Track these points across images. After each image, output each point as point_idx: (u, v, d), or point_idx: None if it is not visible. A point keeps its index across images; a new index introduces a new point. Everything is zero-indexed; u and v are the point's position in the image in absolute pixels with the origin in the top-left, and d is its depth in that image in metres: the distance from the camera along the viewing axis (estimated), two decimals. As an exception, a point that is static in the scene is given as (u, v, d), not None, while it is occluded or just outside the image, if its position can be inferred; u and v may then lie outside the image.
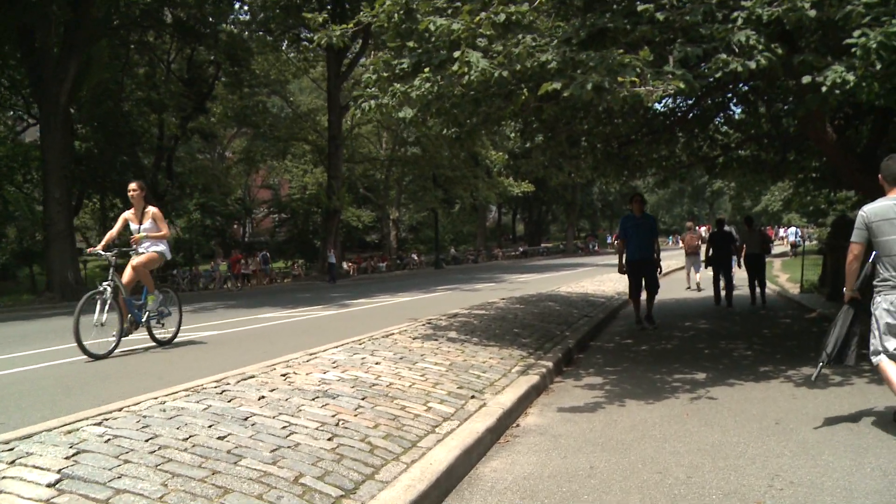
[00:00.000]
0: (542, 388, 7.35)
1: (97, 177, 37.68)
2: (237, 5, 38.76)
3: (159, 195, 40.32)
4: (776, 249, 39.73)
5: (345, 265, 47.25)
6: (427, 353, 7.80)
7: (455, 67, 7.14)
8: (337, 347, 7.87)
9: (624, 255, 12.12)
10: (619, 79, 6.01)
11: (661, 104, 13.90)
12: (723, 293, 15.99)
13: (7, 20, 25.63)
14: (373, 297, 19.97)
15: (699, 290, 20.32)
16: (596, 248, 67.82)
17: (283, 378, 6.08)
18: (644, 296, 12.28)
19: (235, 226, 73.42)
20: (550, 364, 8.05)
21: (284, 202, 66.24)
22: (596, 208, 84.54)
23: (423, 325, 10.16)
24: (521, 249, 66.84)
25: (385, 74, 8.32)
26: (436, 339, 8.76)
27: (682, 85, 6.11)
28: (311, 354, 7.38)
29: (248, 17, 40.61)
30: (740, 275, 16.88)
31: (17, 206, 34.94)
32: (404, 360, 7.31)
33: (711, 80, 7.04)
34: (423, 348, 8.12)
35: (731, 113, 15.05)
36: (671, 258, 39.89)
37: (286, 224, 66.87)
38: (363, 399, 5.62)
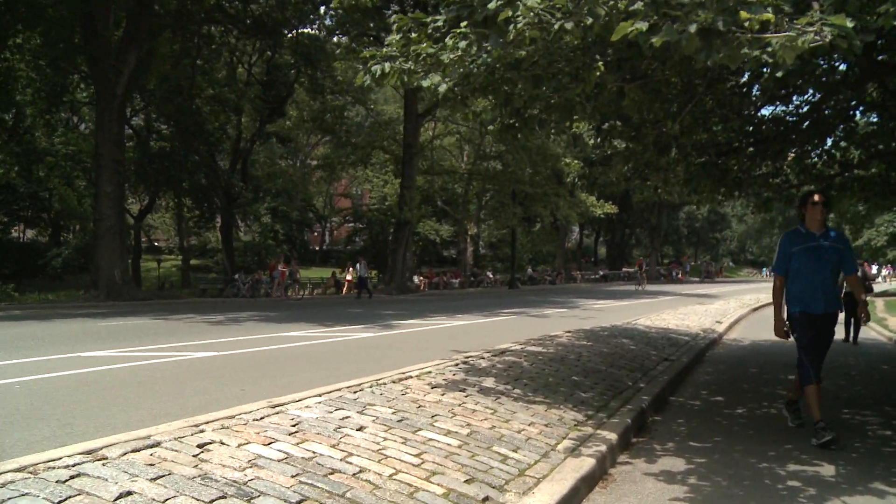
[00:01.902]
0: (598, 478, 5.12)
1: (170, 176, 36.68)
2: (322, 9, 37.35)
3: (232, 197, 39.30)
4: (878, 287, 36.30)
5: (416, 279, 45.49)
6: (442, 413, 5.67)
7: (500, 16, 5.02)
8: (318, 397, 5.78)
9: (785, 303, 7.01)
10: (742, 14, 3.77)
11: (769, 110, 11.55)
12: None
13: (72, 4, 24.60)
14: (427, 318, 17.91)
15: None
16: (680, 275, 64.36)
17: (198, 452, 4.02)
18: None
19: (315, 233, 72.76)
20: (614, 437, 5.80)
21: (361, 212, 65.17)
22: (682, 234, 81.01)
23: (457, 364, 8.00)
24: (601, 273, 63.92)
25: (414, 35, 6.24)
26: (463, 390, 6.60)
27: (844, 27, 3.76)
28: (274, 407, 5.32)
29: (332, 23, 39.23)
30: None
31: (65, 203, 34.31)
32: (403, 425, 5.19)
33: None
34: (439, 404, 5.97)
35: (854, 125, 12.56)
36: (759, 291, 36.87)
37: (361, 234, 65.74)
38: (300, 504, 3.53)
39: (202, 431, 4.43)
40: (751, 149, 11.82)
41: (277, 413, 5.16)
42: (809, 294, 6.67)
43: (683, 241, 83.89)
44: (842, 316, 15.80)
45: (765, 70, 7.35)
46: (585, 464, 4.96)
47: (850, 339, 15.33)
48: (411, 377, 6.96)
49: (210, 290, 36.73)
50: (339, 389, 6.12)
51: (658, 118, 9.92)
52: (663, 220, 68.36)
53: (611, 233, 74.29)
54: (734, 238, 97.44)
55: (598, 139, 10.31)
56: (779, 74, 4.96)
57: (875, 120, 12.51)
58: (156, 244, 67.23)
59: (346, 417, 5.21)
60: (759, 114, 11.41)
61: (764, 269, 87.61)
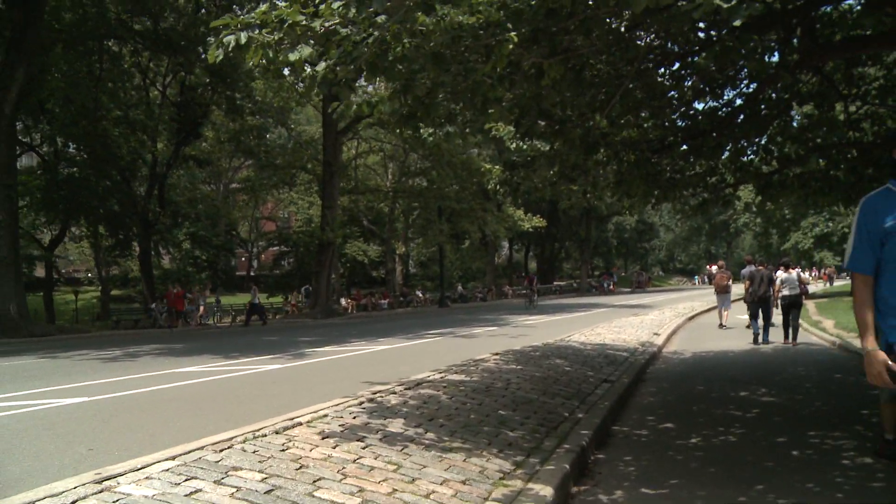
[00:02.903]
0: (531, 554, 3.93)
1: (80, 203, 34.50)
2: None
3: (150, 224, 37.36)
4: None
5: (343, 301, 44.02)
6: (328, 476, 4.38)
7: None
8: (170, 461, 4.44)
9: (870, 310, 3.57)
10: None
11: (701, 103, 10.62)
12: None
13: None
14: (346, 344, 16.54)
15: (724, 328, 19.60)
16: (611, 287, 63.92)
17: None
18: None
19: (243, 259, 70.54)
20: (550, 493, 4.59)
21: (286, 234, 63.39)
22: (611, 245, 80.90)
23: (361, 403, 6.71)
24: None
25: (284, 4, 5.00)
26: (362, 439, 5.32)
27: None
28: (100, 482, 3.98)
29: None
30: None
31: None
32: (271, 499, 3.90)
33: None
34: (327, 461, 4.69)
35: (790, 119, 11.76)
36: (692, 299, 36.40)
37: (287, 257, 63.93)
38: None
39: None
40: (684, 146, 10.89)
41: (102, 491, 3.83)
42: None
43: (613, 252, 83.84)
44: (780, 319, 15.64)
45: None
46: (512, 539, 3.74)
47: (790, 340, 15.43)
48: (300, 424, 5.65)
49: (124, 322, 34.71)
50: (201, 448, 4.79)
51: (583, 111, 8.89)
52: (592, 231, 67.95)
53: (540, 247, 73.66)
54: (663, 247, 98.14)
55: (519, 137, 9.19)
56: (736, 23, 3.86)
57: (811, 112, 11.68)
58: (75, 275, 64.41)
59: (196, 492, 3.91)
60: (692, 107, 10.47)
61: (695, 276, 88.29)
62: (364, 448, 5.07)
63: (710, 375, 11.12)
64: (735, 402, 8.75)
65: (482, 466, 4.98)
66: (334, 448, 4.99)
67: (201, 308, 35.52)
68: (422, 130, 10.12)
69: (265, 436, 5.20)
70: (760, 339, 15.70)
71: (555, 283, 67.90)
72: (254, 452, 4.72)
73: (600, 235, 76.18)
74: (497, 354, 11.07)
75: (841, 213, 35.16)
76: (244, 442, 4.97)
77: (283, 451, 4.83)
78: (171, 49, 31.48)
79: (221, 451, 4.71)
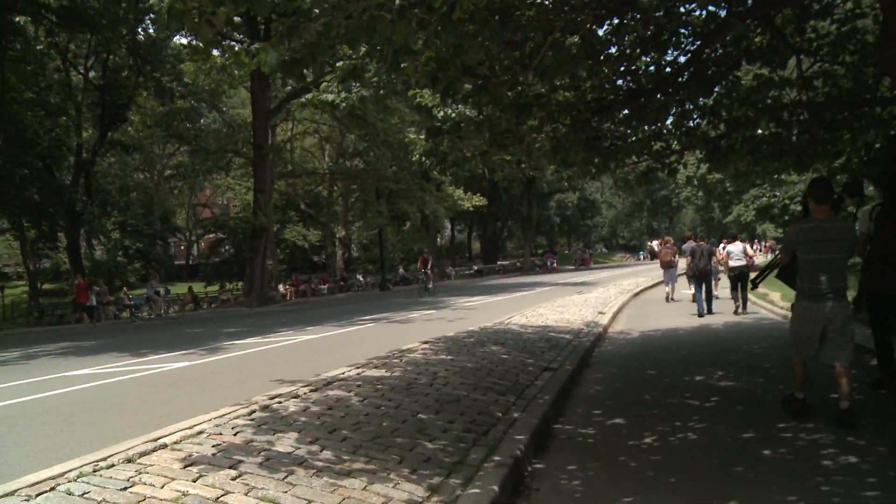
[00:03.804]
0: None
1: (-3, 193, 32.45)
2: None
3: (77, 214, 35.37)
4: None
5: (281, 288, 42.52)
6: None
7: None
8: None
9: None
10: None
11: (645, 59, 9.66)
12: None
13: None
14: (271, 335, 15.30)
15: (672, 301, 19.62)
16: (555, 264, 63.28)
17: None
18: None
19: (182, 248, 68.32)
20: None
21: (222, 221, 61.50)
22: (553, 223, 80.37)
23: (252, 413, 5.57)
24: (475, 268, 62.17)
25: None
26: (237, 464, 4.21)
27: None
28: None
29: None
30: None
31: None
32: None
33: None
34: (181, 500, 3.59)
35: (738, 79, 10.88)
36: (636, 275, 35.78)
37: (223, 244, 62.08)
38: None
39: None
40: (626, 111, 9.93)
41: None
42: None
43: (556, 231, 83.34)
44: (728, 291, 16.30)
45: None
46: None
47: (741, 310, 15.92)
48: (164, 447, 4.52)
49: (48, 318, 32.89)
50: (10, 494, 3.63)
51: (511, 65, 7.86)
52: (534, 210, 67.19)
53: (483, 226, 72.72)
54: (605, 224, 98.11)
55: (442, 100, 8.08)
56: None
57: (760, 71, 10.75)
58: (5, 270, 61.63)
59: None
60: (634, 63, 9.50)
61: (640, 252, 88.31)
62: (235, 479, 3.96)
63: (660, 357, 10.20)
64: (691, 388, 7.83)
65: (386, 497, 3.92)
66: (195, 481, 3.88)
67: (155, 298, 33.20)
68: (333, 96, 9.01)
69: (112, 466, 4.08)
70: (705, 310, 15.87)
71: (498, 262, 67.08)
72: (82, 496, 3.59)
73: (542, 213, 75.54)
74: (427, 343, 10.01)
75: (788, 180, 34.40)
76: (76, 479, 3.83)
77: (123, 490, 3.70)
78: (89, 27, 29.49)
79: (37, 496, 3.57)
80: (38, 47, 33.40)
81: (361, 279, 49.71)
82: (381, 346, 10.75)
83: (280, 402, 5.89)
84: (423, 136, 17.39)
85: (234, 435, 4.83)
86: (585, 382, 8.59)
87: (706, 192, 47.77)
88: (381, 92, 7.54)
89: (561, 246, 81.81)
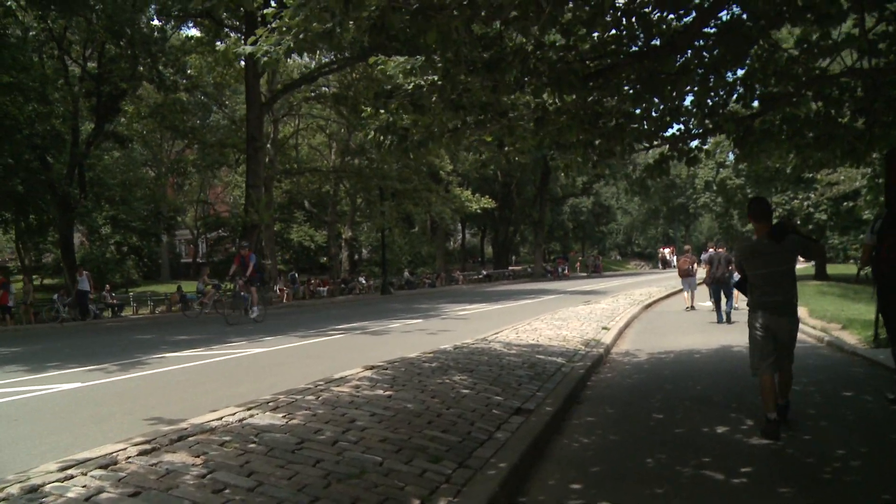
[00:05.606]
0: None
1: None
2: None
3: (70, 207, 33.55)
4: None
5: (277, 289, 40.43)
6: None
7: None
8: None
9: None
10: None
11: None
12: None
13: None
14: (218, 346, 13.05)
15: (691, 310, 19.52)
16: (566, 271, 60.93)
17: None
18: None
19: (190, 245, 66.40)
20: None
21: (222, 218, 59.74)
22: (567, 229, 78.04)
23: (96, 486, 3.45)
24: (483, 273, 59.84)
25: None
26: None
27: None
28: None
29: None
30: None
31: None
32: None
33: None
34: None
35: (776, 44, 8.48)
36: (650, 284, 33.49)
37: (223, 243, 60.34)
38: None
39: None
40: (633, 75, 7.73)
41: None
42: None
43: (570, 236, 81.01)
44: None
45: None
46: None
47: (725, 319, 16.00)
48: None
49: (19, 316, 30.97)
50: None
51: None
52: (546, 214, 64.74)
53: (495, 231, 70.40)
54: (620, 230, 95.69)
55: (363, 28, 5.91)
56: None
57: (808, 30, 8.40)
58: (8, 265, 60.02)
59: None
60: (643, 12, 7.27)
61: (658, 260, 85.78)
62: None
63: (671, 392, 7.98)
64: (711, 446, 5.62)
65: None
66: None
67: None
68: (253, 49, 6.92)
69: None
70: (724, 319, 15.92)
71: (510, 268, 64.83)
72: None
73: (556, 218, 73.25)
74: (371, 369, 7.80)
75: (823, 180, 30.53)
76: None
77: None
78: (62, 6, 27.44)
79: None
80: (30, 33, 31.64)
81: (363, 282, 47.65)
82: (325, 367, 8.65)
83: (60, 483, 3.72)
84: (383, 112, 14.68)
85: None
86: (569, 430, 6.38)
87: (725, 199, 45.36)
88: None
89: (574, 252, 79.38)
